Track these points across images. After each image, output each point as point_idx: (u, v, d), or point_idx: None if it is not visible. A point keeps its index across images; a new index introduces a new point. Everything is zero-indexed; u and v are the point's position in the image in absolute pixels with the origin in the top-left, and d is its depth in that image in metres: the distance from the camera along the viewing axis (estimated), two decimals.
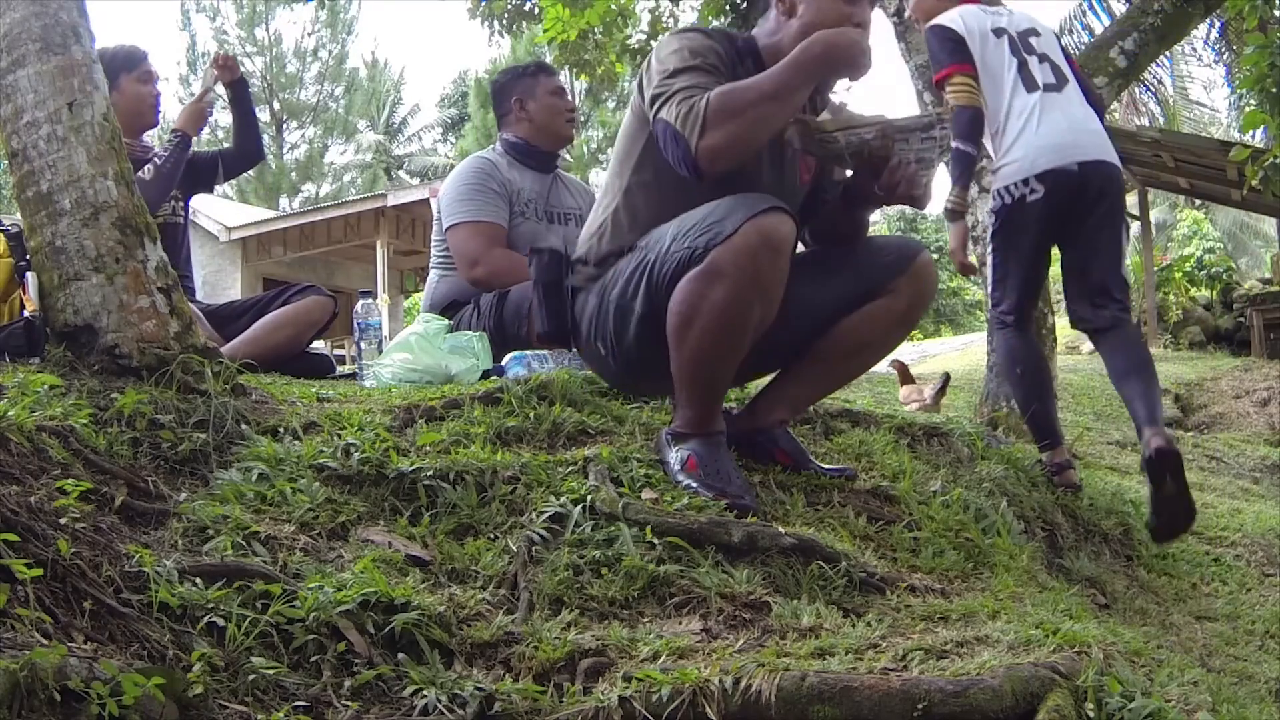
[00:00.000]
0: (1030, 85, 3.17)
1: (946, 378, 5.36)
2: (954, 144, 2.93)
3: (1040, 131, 3.09)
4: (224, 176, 4.15)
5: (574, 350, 2.37)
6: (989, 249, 3.33)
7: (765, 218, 1.95)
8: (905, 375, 5.43)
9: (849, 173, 2.31)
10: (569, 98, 3.72)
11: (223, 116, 19.63)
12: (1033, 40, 3.26)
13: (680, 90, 2.08)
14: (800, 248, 2.35)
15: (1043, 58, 3.23)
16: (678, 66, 2.13)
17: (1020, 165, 3.09)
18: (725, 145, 2.01)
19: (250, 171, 12.71)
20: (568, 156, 23.68)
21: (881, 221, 27.92)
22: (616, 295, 2.14)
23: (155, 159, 3.58)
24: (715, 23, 6.97)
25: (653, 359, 2.09)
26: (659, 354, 2.07)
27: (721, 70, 2.17)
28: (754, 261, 1.94)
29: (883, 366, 4.45)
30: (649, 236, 2.12)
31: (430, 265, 3.71)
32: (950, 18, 3.26)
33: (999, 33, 3.23)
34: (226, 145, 4.13)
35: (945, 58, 3.20)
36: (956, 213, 3.26)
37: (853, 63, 2.11)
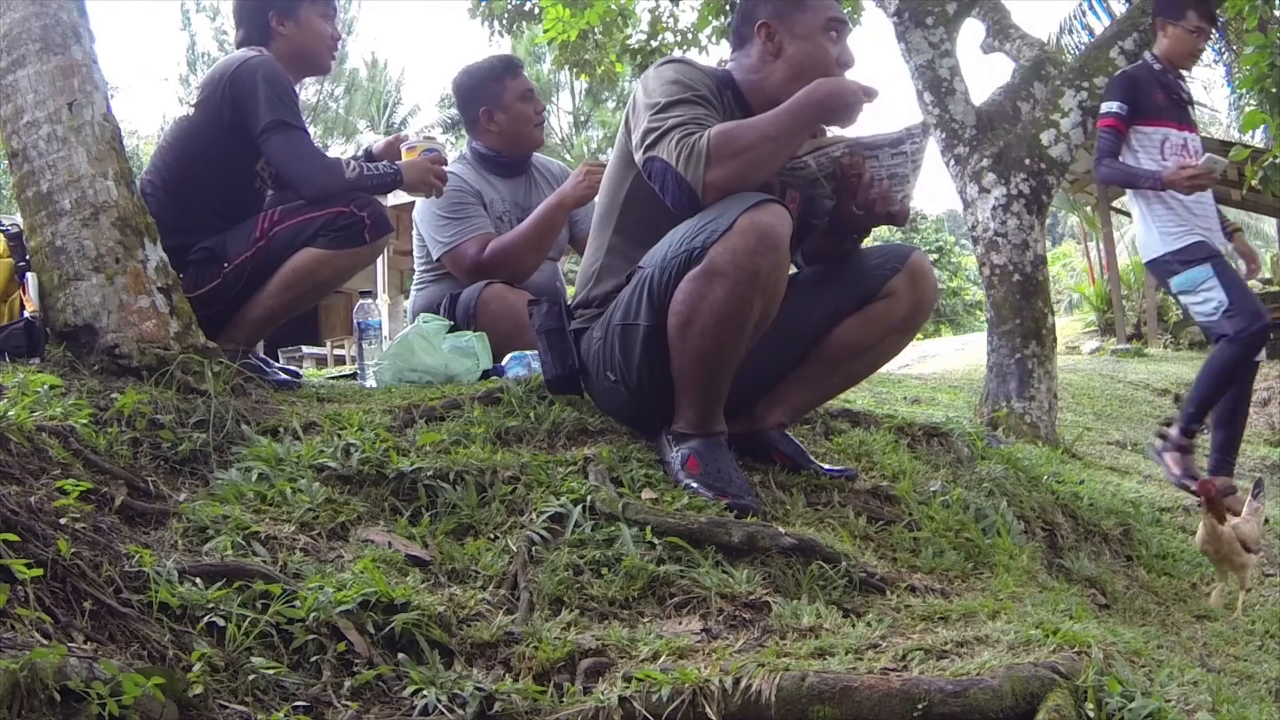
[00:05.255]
0: None
1: (1258, 484, 3.11)
2: None
3: None
4: None
5: (585, 395, 2.36)
6: None
7: (760, 211, 1.94)
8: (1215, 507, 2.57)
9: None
10: (535, 98, 3.54)
11: None
12: None
13: (675, 127, 2.04)
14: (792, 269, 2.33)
15: None
16: (669, 99, 2.10)
17: None
18: (729, 184, 2.00)
19: None
20: (568, 156, 23.67)
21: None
22: (620, 316, 2.13)
23: (359, 165, 2.80)
24: (715, 23, 6.96)
25: (664, 377, 2.08)
26: (669, 371, 2.07)
27: (712, 101, 2.16)
28: (752, 257, 1.93)
29: (890, 367, 4.34)
30: (645, 258, 2.11)
31: (415, 275, 3.71)
32: None
33: None
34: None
35: None
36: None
37: (849, 114, 2.13)
